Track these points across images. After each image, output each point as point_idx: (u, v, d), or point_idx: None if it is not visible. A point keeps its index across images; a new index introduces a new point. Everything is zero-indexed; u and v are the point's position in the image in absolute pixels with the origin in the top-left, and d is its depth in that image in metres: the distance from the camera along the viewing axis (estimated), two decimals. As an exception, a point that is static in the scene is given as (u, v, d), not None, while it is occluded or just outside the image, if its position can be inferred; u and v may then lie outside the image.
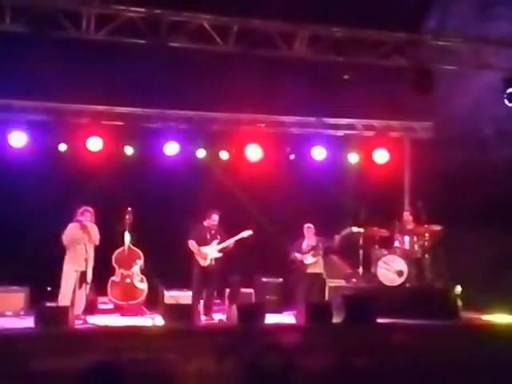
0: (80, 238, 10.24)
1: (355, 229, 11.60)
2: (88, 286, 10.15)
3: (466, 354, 8.77)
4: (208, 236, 11.17)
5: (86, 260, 10.14)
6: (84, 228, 10.30)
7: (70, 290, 10.16)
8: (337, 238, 11.52)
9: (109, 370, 4.61)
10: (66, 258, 10.30)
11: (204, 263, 11.08)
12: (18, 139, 11.97)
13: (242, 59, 10.37)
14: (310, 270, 11.52)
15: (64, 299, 10.09)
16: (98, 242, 10.47)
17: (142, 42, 10.01)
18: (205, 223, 11.26)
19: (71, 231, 10.32)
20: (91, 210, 10.51)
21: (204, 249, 11.10)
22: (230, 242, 11.18)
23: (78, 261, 10.20)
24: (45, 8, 9.50)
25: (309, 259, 11.50)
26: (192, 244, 11.10)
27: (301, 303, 10.74)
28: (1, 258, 10.97)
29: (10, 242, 11.34)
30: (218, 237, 11.18)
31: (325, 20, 10.64)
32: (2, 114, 11.89)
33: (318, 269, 11.57)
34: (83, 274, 10.12)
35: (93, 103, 12.17)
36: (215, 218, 11.23)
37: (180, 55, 10.31)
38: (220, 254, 11.15)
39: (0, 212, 11.32)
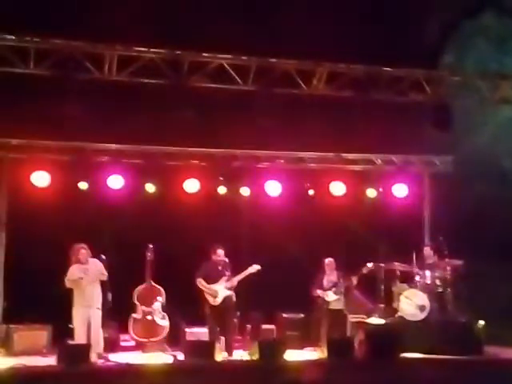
0: (82, 278, 10.18)
1: (370, 264, 11.53)
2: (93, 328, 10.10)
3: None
4: (216, 273, 10.87)
5: (94, 298, 10.14)
6: (84, 267, 10.25)
7: (82, 330, 10.03)
8: (354, 278, 11.49)
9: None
10: (74, 299, 10.19)
11: (214, 302, 10.81)
12: (40, 179, 12.09)
13: (261, 97, 10.50)
14: (331, 307, 11.48)
15: (79, 339, 10.01)
16: (105, 278, 10.33)
17: (163, 82, 10.18)
18: (213, 257, 10.99)
19: (71, 273, 10.22)
20: (84, 245, 10.36)
21: (214, 287, 10.84)
22: (238, 278, 10.89)
23: (83, 301, 10.12)
24: (67, 51, 9.73)
25: (330, 296, 11.44)
26: (200, 282, 10.84)
27: (323, 340, 10.70)
28: (24, 297, 11.06)
29: (33, 281, 11.40)
30: (226, 273, 10.88)
31: (343, 57, 10.78)
32: (25, 154, 12.06)
33: (340, 305, 11.53)
34: (95, 313, 10.11)
35: (114, 142, 12.31)
36: (220, 252, 10.93)
37: (200, 94, 10.46)
38: (230, 292, 10.88)
39: (23, 251, 11.43)
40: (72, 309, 10.18)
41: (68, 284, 10.24)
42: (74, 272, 10.24)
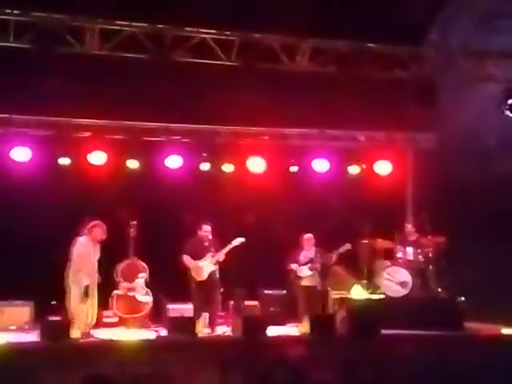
0: (87, 254, 10.18)
1: (349, 245, 11.53)
2: (88, 301, 10.09)
3: (471, 365, 8.78)
4: (202, 249, 10.91)
5: (90, 275, 10.11)
6: (90, 244, 10.25)
7: (77, 305, 10.08)
8: (333, 255, 11.51)
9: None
10: (70, 272, 10.14)
11: (200, 278, 10.85)
12: (21, 154, 11.99)
13: (245, 72, 10.43)
14: (304, 283, 11.50)
15: (73, 315, 9.99)
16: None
17: (145, 56, 10.08)
18: (199, 233, 11.04)
19: (81, 246, 10.22)
20: (100, 223, 10.36)
21: (199, 263, 10.86)
22: (223, 252, 10.93)
23: (80, 276, 10.10)
24: (48, 24, 9.59)
25: (304, 272, 11.46)
26: (187, 259, 10.88)
27: (303, 316, 10.74)
28: (5, 273, 10.99)
29: (14, 257, 11.36)
30: (212, 249, 10.91)
31: (326, 33, 10.71)
32: (4, 129, 11.94)
33: (313, 282, 11.52)
34: (86, 289, 10.05)
35: (96, 117, 12.20)
36: (206, 228, 10.96)
37: (183, 69, 10.37)
38: (215, 267, 10.92)
39: (4, 227, 11.35)
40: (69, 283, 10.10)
41: (74, 256, 10.12)
42: (82, 246, 10.17)
